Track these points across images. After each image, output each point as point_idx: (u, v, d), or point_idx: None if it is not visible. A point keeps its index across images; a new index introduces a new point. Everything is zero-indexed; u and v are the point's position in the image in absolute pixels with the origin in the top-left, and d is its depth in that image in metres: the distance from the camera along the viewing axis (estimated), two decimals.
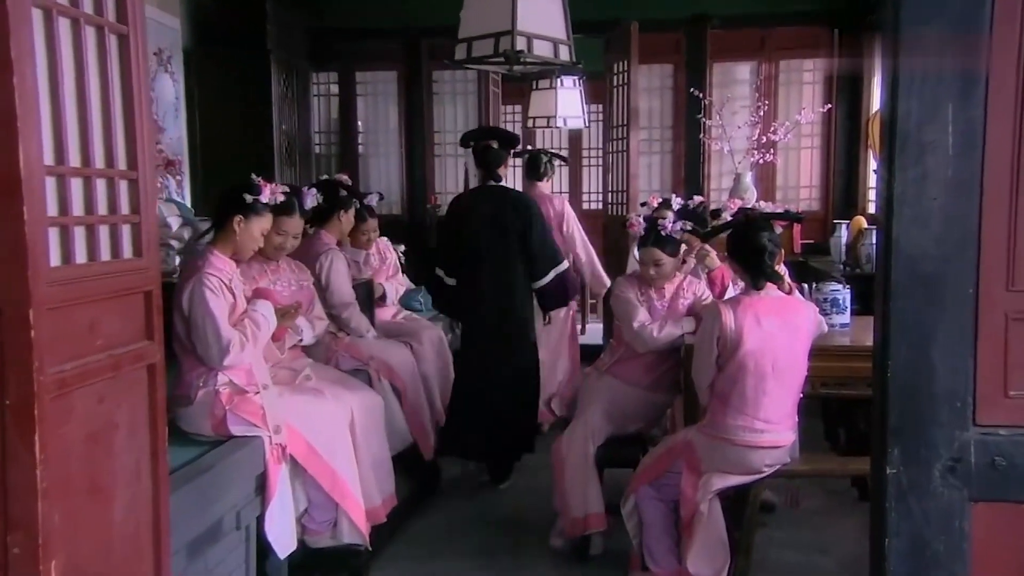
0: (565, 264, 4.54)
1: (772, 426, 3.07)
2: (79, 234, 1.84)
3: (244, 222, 3.17)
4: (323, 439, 3.19)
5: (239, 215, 3.17)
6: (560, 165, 5.93)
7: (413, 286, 5.69)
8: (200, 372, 3.08)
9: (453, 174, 8.22)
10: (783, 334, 3.03)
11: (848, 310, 3.77)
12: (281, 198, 3.35)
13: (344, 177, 4.56)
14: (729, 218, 3.54)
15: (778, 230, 3.27)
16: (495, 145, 4.56)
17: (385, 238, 5.29)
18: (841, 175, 7.65)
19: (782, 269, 3.48)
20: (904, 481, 1.49)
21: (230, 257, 3.21)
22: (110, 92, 1.93)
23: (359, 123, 8.29)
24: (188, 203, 6.34)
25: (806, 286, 3.95)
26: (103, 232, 1.93)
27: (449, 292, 4.51)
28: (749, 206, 3.43)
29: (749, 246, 3.08)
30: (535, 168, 5.58)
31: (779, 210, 3.54)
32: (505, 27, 4.25)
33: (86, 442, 1.84)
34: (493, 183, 4.50)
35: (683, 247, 3.84)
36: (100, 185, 1.92)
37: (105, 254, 1.94)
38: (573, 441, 3.67)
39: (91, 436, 1.86)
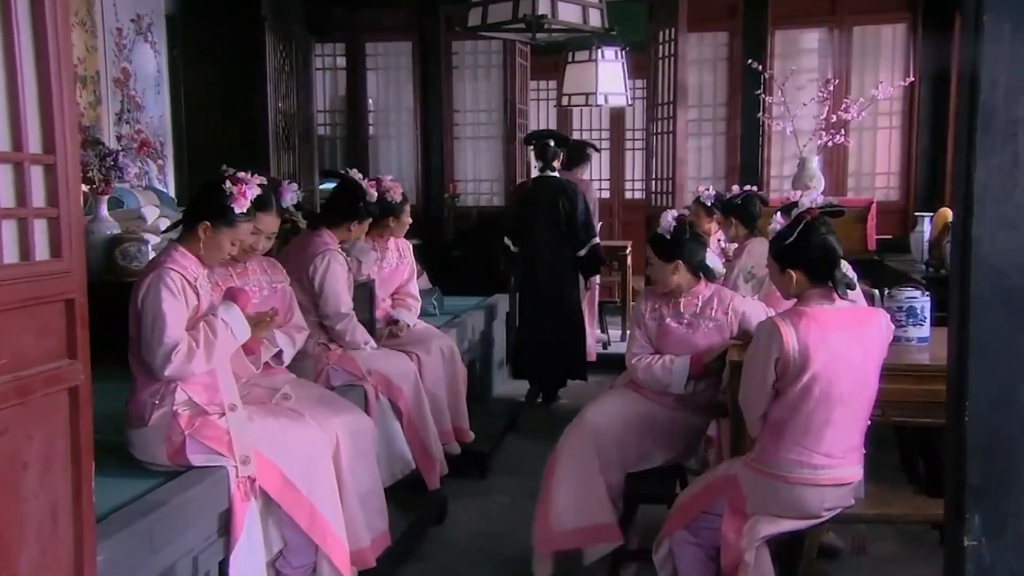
0: (597, 239, 6.16)
1: (835, 461, 2.88)
2: None
3: (211, 230, 3.06)
4: (300, 470, 3.05)
5: (206, 222, 3.05)
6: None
7: (429, 285, 5.56)
8: (156, 388, 2.95)
9: (473, 159, 8.07)
10: (854, 352, 2.84)
11: (928, 321, 3.54)
12: (256, 191, 3.19)
13: (372, 192, 4.34)
14: (782, 222, 3.27)
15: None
16: (551, 143, 6.16)
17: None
18: (925, 160, 7.39)
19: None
20: (987, 557, 1.29)
21: (198, 255, 3.09)
22: (16, 59, 1.79)
23: (369, 101, 8.18)
24: (171, 191, 6.27)
25: (877, 292, 3.73)
26: (7, 228, 1.79)
27: (513, 256, 6.25)
28: (797, 200, 3.18)
29: (817, 250, 2.89)
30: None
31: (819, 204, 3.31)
32: None
33: None
34: (549, 173, 6.15)
35: (717, 245, 3.67)
36: (3, 172, 1.78)
37: (11, 255, 1.80)
38: (569, 434, 3.56)
39: None
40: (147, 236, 4.83)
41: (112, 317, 4.43)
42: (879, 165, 7.60)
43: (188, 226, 3.10)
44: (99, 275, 4.67)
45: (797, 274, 2.92)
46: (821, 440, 2.84)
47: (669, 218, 3.60)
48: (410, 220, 4.87)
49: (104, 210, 4.71)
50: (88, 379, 2.00)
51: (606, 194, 10.87)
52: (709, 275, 3.71)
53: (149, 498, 2.66)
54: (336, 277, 4.08)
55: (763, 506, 2.92)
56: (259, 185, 3.19)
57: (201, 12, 6.40)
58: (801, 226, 2.93)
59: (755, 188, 4.92)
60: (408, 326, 4.71)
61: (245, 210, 3.08)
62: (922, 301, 3.51)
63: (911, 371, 3.23)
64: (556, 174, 6.13)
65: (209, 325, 2.99)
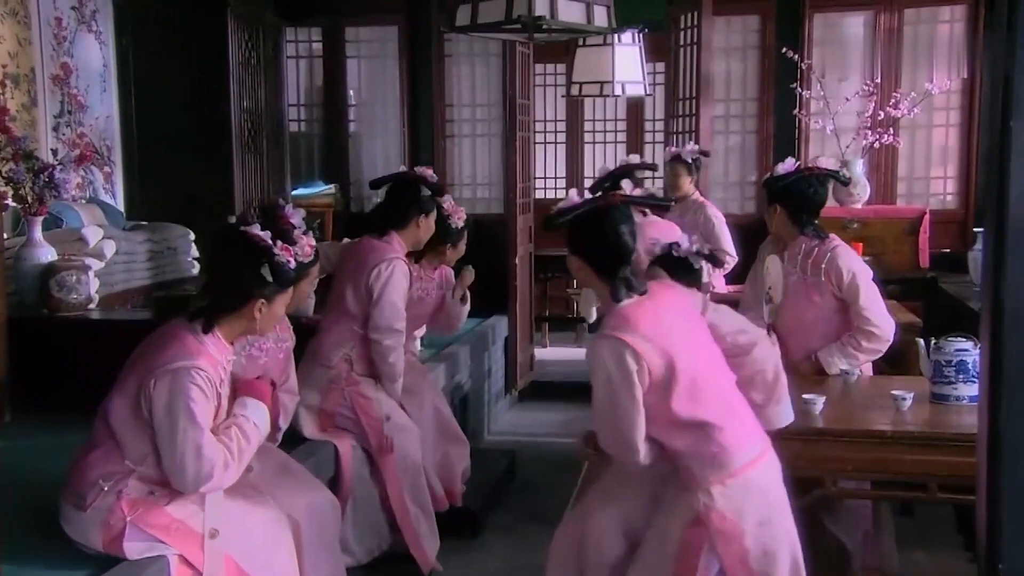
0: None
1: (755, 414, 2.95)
2: None
3: (267, 305, 3.00)
4: (259, 562, 2.99)
5: (261, 299, 2.98)
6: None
7: None
8: (111, 472, 2.87)
9: (470, 159, 8.02)
10: (688, 328, 2.90)
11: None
12: (311, 255, 3.23)
13: (428, 171, 4.48)
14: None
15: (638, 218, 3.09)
16: None
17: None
18: (987, 163, 7.31)
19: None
20: None
21: (232, 340, 3.04)
22: None
23: (349, 93, 8.13)
24: (120, 202, 6.26)
25: (921, 341, 3.69)
26: None
27: None
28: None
29: (603, 241, 2.87)
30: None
31: (646, 194, 3.28)
32: None
33: None
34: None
35: None
36: None
37: None
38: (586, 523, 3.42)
39: None
40: (88, 262, 4.81)
41: (47, 355, 4.47)
42: (934, 169, 7.50)
43: (231, 309, 2.99)
44: (33, 308, 4.66)
45: (579, 262, 2.93)
46: (735, 408, 2.88)
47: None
48: (464, 249, 4.88)
49: (38, 232, 4.69)
50: None
51: None
52: None
53: None
54: (396, 288, 4.17)
55: (754, 510, 2.83)
56: (311, 247, 3.22)
57: None
58: (588, 211, 2.89)
59: (821, 160, 4.24)
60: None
61: (294, 267, 3.04)
62: (974, 354, 3.45)
63: (961, 440, 3.16)
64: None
65: (242, 431, 2.94)
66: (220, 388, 2.94)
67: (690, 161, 6.23)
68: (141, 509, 2.86)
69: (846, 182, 4.23)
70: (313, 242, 3.26)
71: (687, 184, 6.29)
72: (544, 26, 4.19)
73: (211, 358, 2.90)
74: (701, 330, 2.96)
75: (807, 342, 4.00)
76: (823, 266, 3.92)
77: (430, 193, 4.37)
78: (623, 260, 2.86)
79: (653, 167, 5.56)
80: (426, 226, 4.38)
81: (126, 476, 2.88)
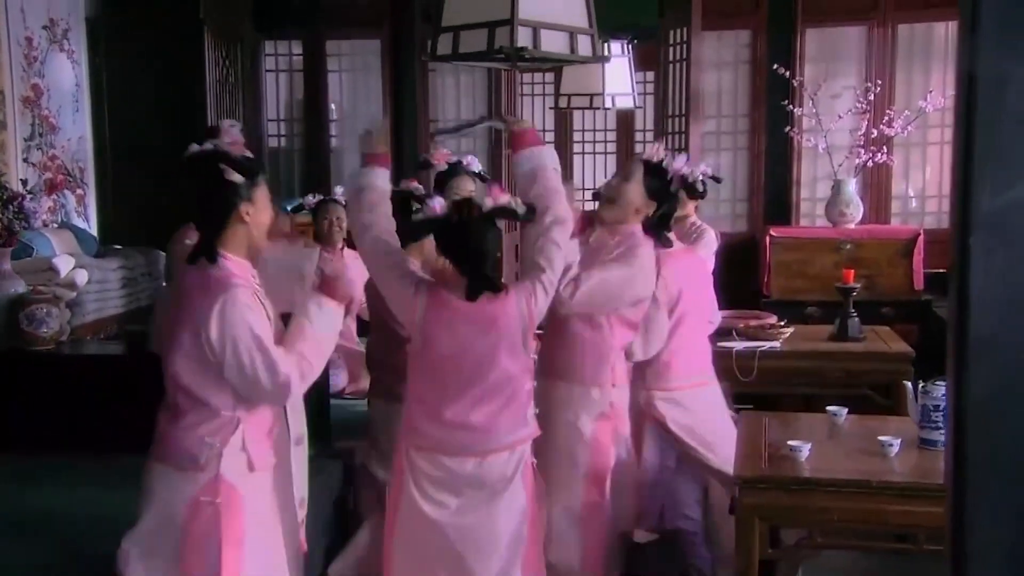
0: None
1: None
2: None
3: (251, 205, 2.90)
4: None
5: (243, 201, 2.87)
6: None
7: None
8: (214, 428, 2.83)
9: None
10: (477, 341, 3.20)
11: None
12: (241, 140, 3.01)
13: (414, 184, 4.46)
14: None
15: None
16: None
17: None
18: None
19: None
20: None
21: (244, 257, 2.96)
22: None
23: (331, 107, 8.15)
24: (93, 226, 6.27)
25: (908, 384, 3.72)
26: None
27: None
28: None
29: (470, 248, 3.21)
30: None
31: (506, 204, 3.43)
32: (503, 15, 4.09)
33: None
34: None
35: None
36: None
37: None
38: None
39: None
40: (59, 293, 4.82)
41: (17, 390, 4.48)
42: (929, 187, 7.56)
43: (222, 229, 2.90)
44: (2, 342, 4.67)
45: (444, 263, 3.25)
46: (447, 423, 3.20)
47: None
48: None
49: (7, 264, 4.70)
50: None
51: None
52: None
53: None
54: None
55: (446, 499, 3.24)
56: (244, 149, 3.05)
57: (128, 13, 6.37)
58: (453, 222, 3.23)
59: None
60: None
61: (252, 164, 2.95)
62: None
63: (941, 491, 3.19)
64: None
65: (315, 339, 2.95)
66: (263, 299, 2.91)
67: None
68: (228, 516, 2.81)
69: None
70: (240, 126, 3.10)
71: (689, 205, 6.03)
72: (527, 56, 4.20)
73: (240, 275, 2.86)
74: (498, 341, 3.22)
75: None
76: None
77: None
78: (481, 264, 3.19)
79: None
80: (429, 244, 4.38)
81: (229, 427, 2.85)
